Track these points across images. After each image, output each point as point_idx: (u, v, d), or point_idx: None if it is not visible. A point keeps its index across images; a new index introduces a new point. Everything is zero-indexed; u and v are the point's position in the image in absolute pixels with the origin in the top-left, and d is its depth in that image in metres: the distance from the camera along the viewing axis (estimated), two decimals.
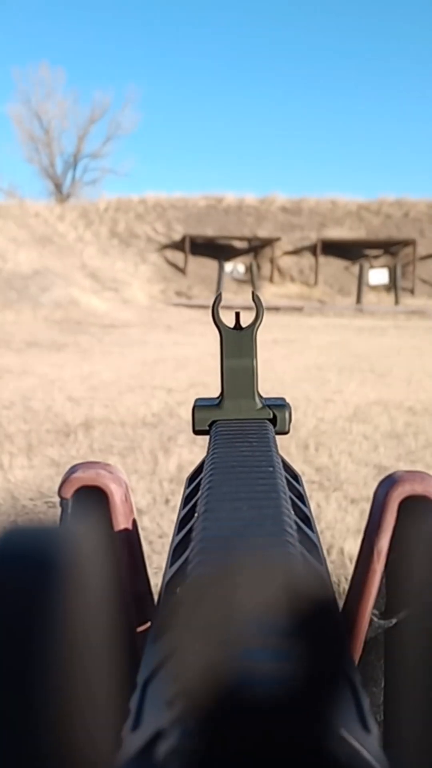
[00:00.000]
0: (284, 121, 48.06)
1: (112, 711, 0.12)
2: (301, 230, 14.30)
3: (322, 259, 13.76)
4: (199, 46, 46.47)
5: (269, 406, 0.38)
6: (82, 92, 23.91)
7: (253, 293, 0.40)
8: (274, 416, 0.38)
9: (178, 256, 13.78)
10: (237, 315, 0.39)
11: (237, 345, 0.39)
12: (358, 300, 12.27)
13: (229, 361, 0.39)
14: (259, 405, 0.38)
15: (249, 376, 0.39)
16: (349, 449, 2.90)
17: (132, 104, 20.91)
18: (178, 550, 0.26)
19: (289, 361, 5.23)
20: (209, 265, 13.40)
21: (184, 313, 9.77)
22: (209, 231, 14.14)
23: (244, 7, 46.56)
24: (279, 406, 0.38)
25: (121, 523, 0.33)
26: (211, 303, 0.39)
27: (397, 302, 12.35)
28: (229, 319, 0.39)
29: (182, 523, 0.28)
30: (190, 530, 0.28)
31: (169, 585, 0.23)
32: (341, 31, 48.53)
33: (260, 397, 0.39)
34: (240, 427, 0.35)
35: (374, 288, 12.97)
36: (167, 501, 2.21)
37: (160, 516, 2.07)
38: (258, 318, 0.39)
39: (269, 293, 12.48)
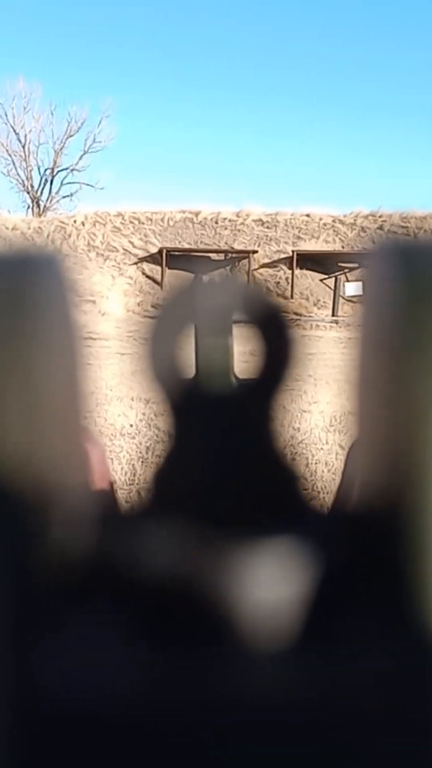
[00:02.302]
0: (260, 132, 48.44)
1: None
2: (276, 243, 14.40)
3: (297, 271, 13.85)
4: (175, 61, 46.76)
5: None
6: (59, 106, 23.94)
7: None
8: None
9: (155, 269, 13.79)
10: None
11: (212, 322, 0.41)
12: (334, 312, 12.36)
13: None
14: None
15: None
16: (326, 458, 2.94)
17: (108, 118, 20.92)
18: None
19: None
20: (186, 278, 13.38)
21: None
22: (186, 244, 14.18)
23: (220, 21, 46.98)
24: None
25: (98, 483, 0.34)
26: None
27: None
28: None
29: None
30: None
31: None
32: (315, 43, 49.15)
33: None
34: None
35: (350, 300, 13.07)
36: None
37: None
38: None
39: None
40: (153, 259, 13.96)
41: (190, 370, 0.43)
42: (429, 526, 0.12)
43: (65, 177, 19.68)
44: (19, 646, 0.12)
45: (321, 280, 13.90)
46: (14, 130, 19.25)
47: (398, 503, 0.12)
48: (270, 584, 0.12)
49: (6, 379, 0.11)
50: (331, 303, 12.80)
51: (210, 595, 0.12)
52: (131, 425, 3.48)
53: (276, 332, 0.15)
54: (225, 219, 14.88)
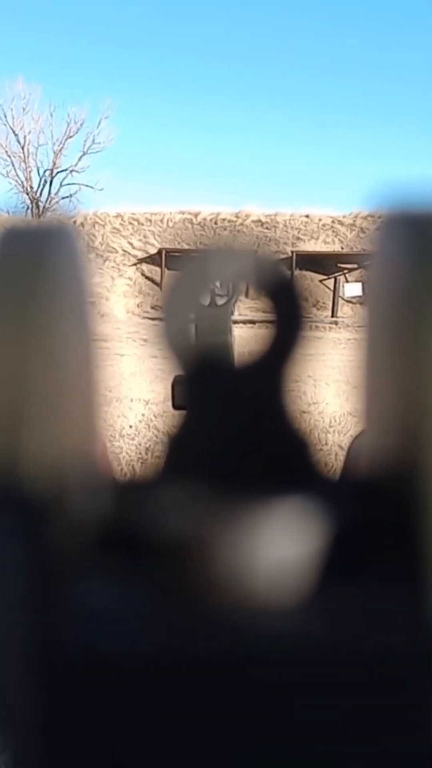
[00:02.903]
0: (259, 133, 48.44)
1: None
2: (276, 244, 14.39)
3: (297, 272, 13.84)
4: (175, 62, 46.77)
5: None
6: (59, 107, 23.88)
7: None
8: None
9: (154, 270, 13.79)
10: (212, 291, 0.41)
11: (212, 322, 0.40)
12: (333, 313, 12.36)
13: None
14: None
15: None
16: (325, 459, 2.93)
17: (108, 119, 20.89)
18: None
19: None
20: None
21: (161, 327, 9.74)
22: (185, 245, 14.18)
23: (219, 21, 46.99)
24: None
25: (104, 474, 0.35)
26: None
27: None
28: None
29: None
30: None
31: None
32: (315, 43, 49.15)
33: None
34: None
35: (349, 301, 13.07)
36: None
37: None
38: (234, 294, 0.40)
39: (245, 307, 12.51)
40: (152, 260, 13.97)
41: (202, 336, 0.43)
42: None
43: (64, 178, 19.69)
44: (42, 604, 0.12)
45: (320, 281, 13.90)
46: (13, 132, 19.26)
47: (409, 474, 0.12)
48: (280, 545, 0.12)
49: (24, 349, 0.11)
50: (330, 304, 12.80)
51: (219, 555, 0.12)
52: (130, 426, 3.48)
53: (288, 301, 0.15)
54: (224, 220, 14.88)
